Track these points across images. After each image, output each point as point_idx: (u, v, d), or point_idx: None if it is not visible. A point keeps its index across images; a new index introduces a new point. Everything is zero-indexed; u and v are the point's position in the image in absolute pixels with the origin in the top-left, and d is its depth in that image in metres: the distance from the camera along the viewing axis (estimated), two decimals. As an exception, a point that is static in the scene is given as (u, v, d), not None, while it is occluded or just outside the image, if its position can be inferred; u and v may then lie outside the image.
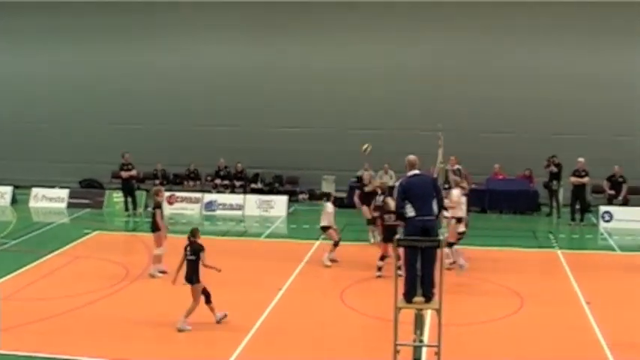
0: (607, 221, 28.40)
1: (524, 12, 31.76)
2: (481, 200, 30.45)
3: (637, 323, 16.77)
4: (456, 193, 20.58)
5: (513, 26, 31.89)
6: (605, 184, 30.03)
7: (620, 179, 29.85)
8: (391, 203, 20.06)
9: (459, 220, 20.39)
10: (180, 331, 15.84)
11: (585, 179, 28.65)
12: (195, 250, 16.19)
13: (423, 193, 12.13)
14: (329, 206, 21.93)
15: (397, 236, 12.38)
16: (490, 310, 17.74)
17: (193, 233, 16.47)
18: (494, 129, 31.97)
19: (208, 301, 16.25)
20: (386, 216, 20.18)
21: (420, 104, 32.26)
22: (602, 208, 28.57)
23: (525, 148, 31.48)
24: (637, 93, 31.36)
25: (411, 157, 12.69)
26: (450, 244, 20.12)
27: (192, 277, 16.07)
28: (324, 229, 21.89)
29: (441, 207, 12.64)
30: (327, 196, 22.74)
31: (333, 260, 21.61)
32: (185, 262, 16.23)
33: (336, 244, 21.61)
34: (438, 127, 22.12)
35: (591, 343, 15.54)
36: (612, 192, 29.90)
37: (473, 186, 28.91)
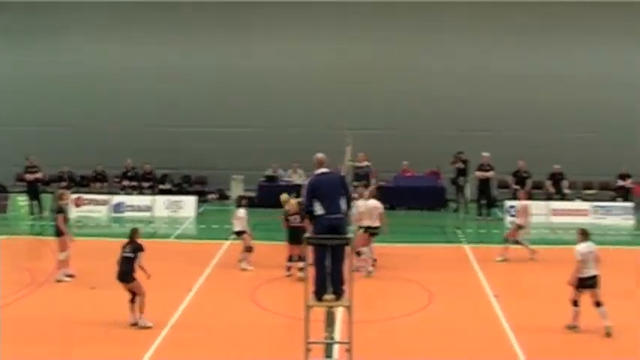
0: (513, 215, 28.96)
1: (431, 14, 32.29)
2: (389, 197, 30.66)
3: (541, 312, 17.18)
4: (361, 203, 20.89)
5: (422, 26, 32.32)
6: (510, 180, 30.69)
7: (525, 174, 30.53)
8: (294, 204, 20.13)
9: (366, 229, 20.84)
10: (142, 327, 16.04)
11: (490, 173, 29.27)
12: (134, 249, 16.39)
13: (331, 191, 12.13)
14: (241, 211, 21.76)
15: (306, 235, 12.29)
16: (400, 305, 17.95)
17: (134, 233, 16.70)
18: (402, 126, 32.32)
19: (133, 300, 16.33)
20: (291, 217, 20.15)
21: (329, 103, 32.40)
22: (508, 203, 29.18)
23: (433, 144, 31.89)
24: (542, 89, 32.13)
25: (319, 155, 12.69)
26: (358, 253, 20.26)
27: (129, 275, 16.21)
28: (239, 233, 21.75)
29: (350, 205, 12.70)
30: (239, 202, 22.49)
31: (248, 264, 21.36)
32: (121, 260, 16.35)
33: (249, 250, 21.44)
34: (346, 125, 22.27)
35: (498, 334, 15.90)
36: (517, 187, 30.55)
37: (382, 183, 29.25)
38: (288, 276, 19.98)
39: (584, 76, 32.15)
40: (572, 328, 16.18)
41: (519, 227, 22.79)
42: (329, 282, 12.00)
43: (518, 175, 30.59)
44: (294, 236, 19.61)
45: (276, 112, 32.78)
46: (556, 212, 29.47)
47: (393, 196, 30.63)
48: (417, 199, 31.07)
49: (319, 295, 12.02)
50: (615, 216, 29.58)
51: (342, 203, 12.18)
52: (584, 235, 16.35)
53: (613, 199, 30.83)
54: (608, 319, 15.82)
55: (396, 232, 23.48)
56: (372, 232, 20.93)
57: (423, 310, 17.64)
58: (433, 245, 24.68)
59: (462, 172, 30.54)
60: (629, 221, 29.23)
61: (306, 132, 31.46)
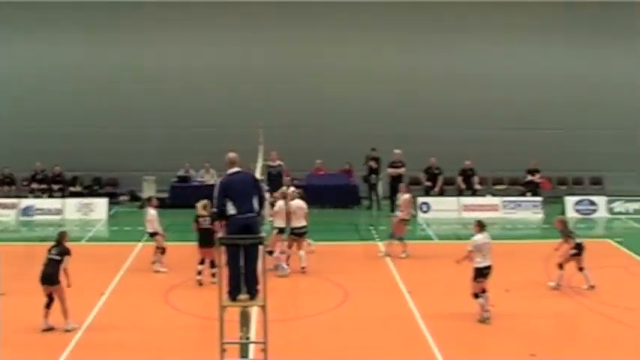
0: (425, 212, 29.48)
1: (341, 12, 32.44)
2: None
3: (455, 308, 17.45)
4: (281, 203, 20.98)
5: (335, 25, 32.43)
6: (422, 176, 31.07)
7: (437, 171, 30.97)
8: (203, 206, 19.92)
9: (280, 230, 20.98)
10: (68, 331, 15.96)
11: (401, 170, 29.57)
12: (61, 252, 16.35)
13: (243, 190, 12.07)
14: (151, 212, 21.53)
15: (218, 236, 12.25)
16: (315, 304, 18.03)
17: (62, 236, 16.72)
18: (315, 125, 32.40)
19: (49, 306, 16.20)
20: (200, 219, 19.88)
21: (241, 102, 32.24)
22: (420, 200, 29.57)
23: (345, 142, 32.04)
24: (455, 88, 32.65)
25: (231, 154, 12.60)
26: (270, 252, 20.23)
27: (53, 277, 16.12)
28: (152, 235, 21.50)
29: (262, 204, 12.69)
30: (142, 204, 22.14)
31: (161, 266, 21.14)
32: (47, 262, 16.30)
33: (162, 251, 21.22)
34: (258, 124, 22.21)
35: (413, 330, 16.10)
36: (429, 183, 30.99)
37: (295, 182, 29.26)
38: (198, 280, 19.69)
39: (498, 75, 32.78)
40: (485, 320, 16.63)
41: (403, 221, 22.88)
42: (243, 282, 11.98)
43: (430, 171, 31.01)
44: (204, 238, 19.49)
45: (188, 112, 32.50)
46: (467, 208, 29.92)
47: (307, 195, 30.61)
48: (330, 197, 31.11)
49: (233, 295, 11.98)
50: (525, 210, 30.23)
51: (255, 202, 12.15)
52: (481, 226, 16.91)
53: (522, 194, 31.45)
54: (488, 306, 16.66)
55: (310, 230, 23.50)
56: (298, 232, 21.08)
57: (338, 308, 17.75)
58: (347, 243, 24.84)
59: (374, 170, 30.79)
60: (538, 215, 29.88)
61: (218, 132, 31.25)
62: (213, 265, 19.25)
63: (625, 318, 16.96)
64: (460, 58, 32.86)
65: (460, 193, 31.16)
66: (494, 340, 15.76)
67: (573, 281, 19.36)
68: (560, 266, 19.11)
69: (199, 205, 20.02)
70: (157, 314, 17.35)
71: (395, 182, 29.34)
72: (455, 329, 16.24)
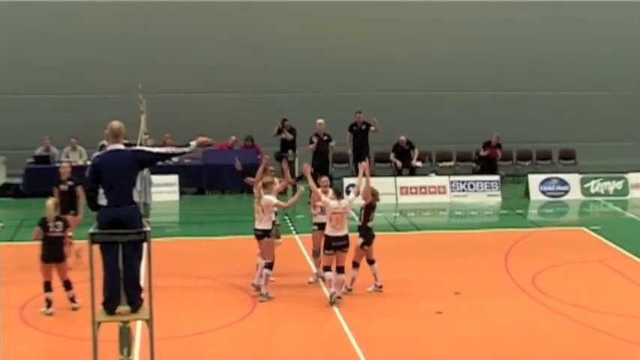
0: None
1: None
2: (197, 178, 30.68)
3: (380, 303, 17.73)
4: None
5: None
6: (392, 156, 31.57)
7: (407, 146, 31.37)
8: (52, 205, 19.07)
9: None
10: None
11: (331, 144, 29.69)
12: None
13: (120, 174, 11.87)
14: None
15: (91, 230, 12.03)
16: (217, 315, 17.99)
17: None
18: (209, 89, 32.37)
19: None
20: (50, 224, 18.34)
21: (117, 63, 31.97)
22: (347, 181, 29.47)
23: (249, 110, 32.06)
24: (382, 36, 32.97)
25: (115, 124, 12.12)
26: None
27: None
28: None
29: (149, 192, 12.62)
30: None
31: None
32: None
33: None
34: (138, 89, 22.10)
35: (340, 343, 16.28)
36: (398, 162, 31.37)
37: (187, 161, 29.22)
38: (48, 313, 18.46)
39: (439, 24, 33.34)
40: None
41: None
42: (122, 290, 11.90)
43: (399, 150, 31.41)
44: (53, 251, 18.15)
45: (49, 74, 32.01)
46: (406, 191, 30.18)
47: (203, 178, 30.61)
48: (233, 179, 30.88)
49: (110, 307, 11.90)
50: (478, 193, 30.60)
51: (134, 191, 12.01)
52: (338, 194, 18.59)
53: (475, 173, 31.86)
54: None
55: (209, 222, 23.56)
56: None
57: (243, 320, 17.77)
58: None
59: (290, 144, 30.79)
60: (495, 198, 30.31)
61: (89, 99, 30.99)
62: (68, 285, 18.24)
63: (598, 323, 17.34)
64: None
65: (399, 173, 31.42)
66: (437, 353, 16.01)
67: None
68: (356, 265, 19.51)
69: (49, 203, 18.59)
70: (10, 336, 16.98)
71: (320, 160, 29.20)
72: (384, 335, 16.58)
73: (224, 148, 31.65)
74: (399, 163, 31.74)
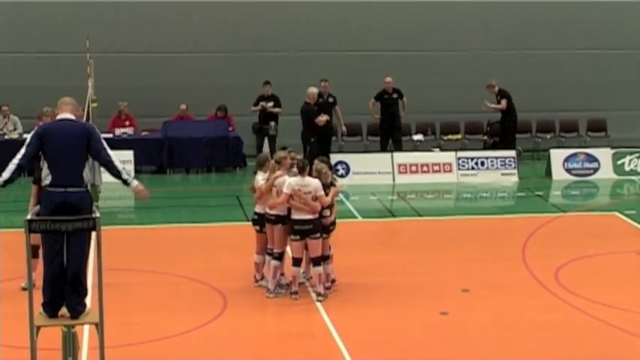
0: (342, 176, 29.25)
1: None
2: (157, 155, 30.55)
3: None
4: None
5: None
6: (372, 104, 31.40)
7: (395, 95, 31.39)
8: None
9: None
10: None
11: (326, 117, 29.56)
12: None
13: (70, 147, 11.84)
14: None
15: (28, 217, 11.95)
16: (181, 317, 17.97)
17: None
18: (171, 48, 32.28)
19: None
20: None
21: (61, 19, 31.80)
22: (335, 158, 29.42)
23: (218, 75, 31.99)
24: None
25: (67, 98, 12.38)
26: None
27: None
28: None
29: (98, 171, 12.57)
30: None
31: None
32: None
33: None
34: (85, 47, 22.05)
35: (327, 347, 16.31)
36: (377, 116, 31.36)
37: (144, 134, 29.18)
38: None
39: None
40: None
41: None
42: (66, 288, 11.85)
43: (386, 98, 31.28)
44: None
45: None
46: (404, 169, 30.12)
47: (164, 154, 30.48)
48: (200, 156, 30.92)
49: (51, 308, 11.86)
50: (491, 171, 30.51)
51: (84, 170, 11.94)
52: (302, 170, 18.18)
53: (487, 148, 31.83)
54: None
55: (171, 207, 23.53)
56: None
57: (214, 321, 17.78)
58: (226, 224, 24.79)
59: (271, 115, 30.64)
60: (510, 177, 30.28)
61: (22, 58, 30.85)
62: None
63: (634, 327, 17.33)
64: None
65: (383, 143, 31.25)
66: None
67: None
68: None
69: None
70: None
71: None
72: (379, 339, 16.60)
73: (176, 120, 31.51)
74: (376, 116, 31.45)
